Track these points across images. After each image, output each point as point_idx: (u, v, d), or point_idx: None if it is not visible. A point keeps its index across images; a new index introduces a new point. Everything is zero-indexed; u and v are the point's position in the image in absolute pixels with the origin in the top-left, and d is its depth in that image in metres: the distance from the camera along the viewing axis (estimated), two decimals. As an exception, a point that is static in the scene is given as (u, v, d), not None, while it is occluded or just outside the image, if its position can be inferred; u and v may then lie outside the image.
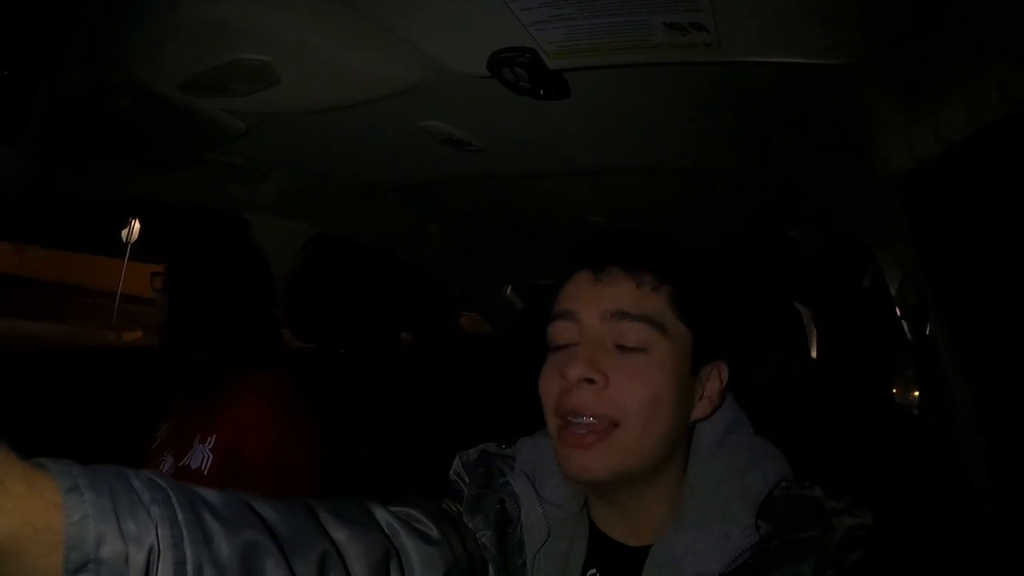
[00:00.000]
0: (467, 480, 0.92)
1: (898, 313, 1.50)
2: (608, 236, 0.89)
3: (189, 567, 0.56)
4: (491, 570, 0.84)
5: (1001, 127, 1.05)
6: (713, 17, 0.82)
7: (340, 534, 0.72)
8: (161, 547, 0.55)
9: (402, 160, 1.52)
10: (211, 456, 1.42)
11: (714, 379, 0.85)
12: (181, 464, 1.44)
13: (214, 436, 1.43)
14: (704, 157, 1.42)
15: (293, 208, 1.89)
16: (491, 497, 0.89)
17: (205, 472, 1.41)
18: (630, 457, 0.78)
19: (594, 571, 0.83)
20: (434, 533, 0.80)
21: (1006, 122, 1.04)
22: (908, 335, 1.50)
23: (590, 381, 0.78)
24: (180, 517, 0.57)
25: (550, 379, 0.83)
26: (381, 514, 0.79)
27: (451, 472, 0.95)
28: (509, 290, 3.02)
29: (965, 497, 1.40)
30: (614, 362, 0.79)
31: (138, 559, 0.53)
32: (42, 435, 0.67)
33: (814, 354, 2.79)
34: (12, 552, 0.49)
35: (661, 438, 0.80)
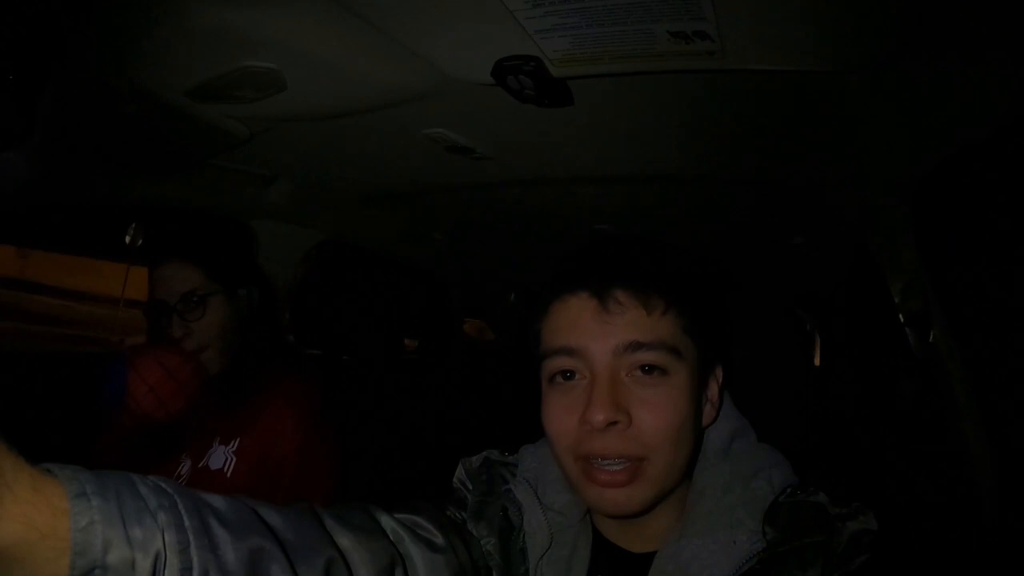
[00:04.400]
0: (470, 487, 0.92)
1: (902, 317, 1.49)
2: (605, 252, 0.85)
3: (195, 573, 0.56)
4: None
5: (1004, 131, 1.05)
6: (716, 26, 0.82)
7: (346, 540, 0.72)
8: (167, 553, 0.55)
9: (407, 167, 1.53)
10: (234, 459, 1.41)
11: (713, 382, 0.85)
12: (200, 465, 1.43)
13: (238, 439, 1.43)
14: (708, 163, 1.42)
15: (298, 214, 1.90)
16: (494, 504, 0.89)
17: (228, 474, 1.40)
18: (662, 484, 0.77)
19: None
20: (439, 540, 0.81)
21: (1009, 126, 1.04)
22: (912, 339, 1.49)
23: (613, 423, 0.75)
24: (186, 523, 0.57)
25: (564, 420, 0.79)
26: (386, 521, 0.79)
27: (455, 479, 0.95)
28: (513, 296, 3.02)
29: (970, 501, 1.40)
30: (633, 396, 0.76)
31: (144, 565, 0.53)
32: (47, 440, 0.67)
33: (817, 359, 2.79)
34: (19, 557, 0.49)
35: (687, 459, 0.80)
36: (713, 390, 0.85)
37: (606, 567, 0.84)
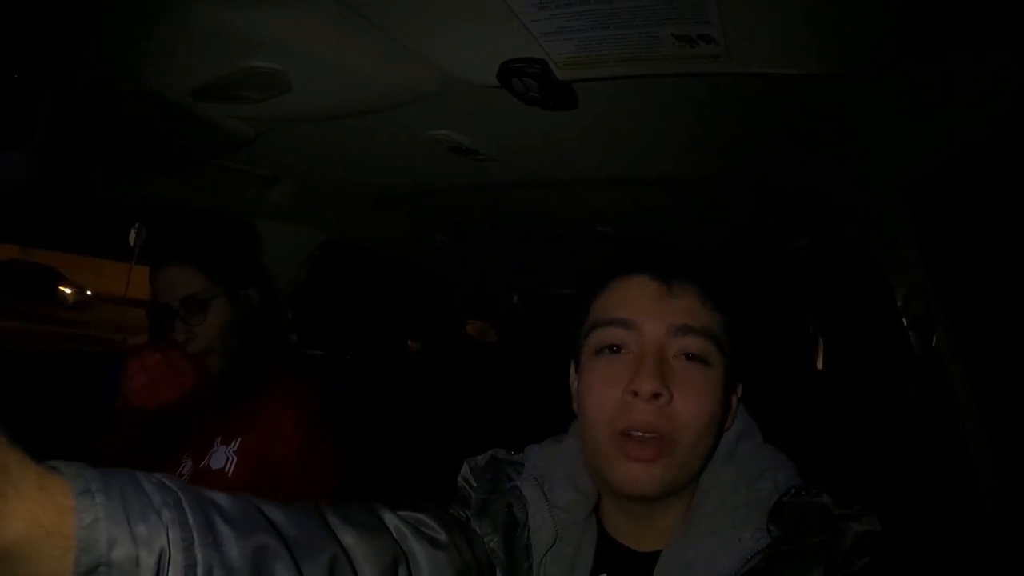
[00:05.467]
0: (475, 485, 0.93)
1: (904, 319, 1.50)
2: (669, 246, 0.89)
3: (199, 570, 0.56)
4: (498, 574, 0.85)
5: (1005, 133, 1.06)
6: (721, 29, 0.82)
7: (349, 538, 0.72)
8: (172, 550, 0.55)
9: (410, 168, 1.53)
10: (235, 458, 1.42)
11: (733, 395, 0.88)
12: (201, 465, 1.44)
13: (239, 439, 1.43)
14: (711, 165, 1.42)
15: (301, 214, 1.90)
16: (498, 501, 0.89)
17: (229, 473, 1.41)
18: (682, 471, 0.79)
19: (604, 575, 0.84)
20: (442, 537, 0.81)
21: (1010, 128, 1.04)
22: (914, 341, 1.50)
23: (656, 396, 0.77)
24: (191, 520, 0.57)
25: (605, 392, 0.81)
26: (389, 518, 0.79)
27: (459, 477, 0.96)
28: (516, 298, 3.03)
29: (971, 502, 1.40)
30: (676, 377, 0.79)
31: (148, 562, 0.53)
32: (49, 439, 0.68)
33: (820, 362, 2.79)
34: (24, 555, 0.49)
35: (708, 452, 0.81)
36: (733, 401, 0.87)
37: (611, 565, 0.84)
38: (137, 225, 1.66)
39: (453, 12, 0.86)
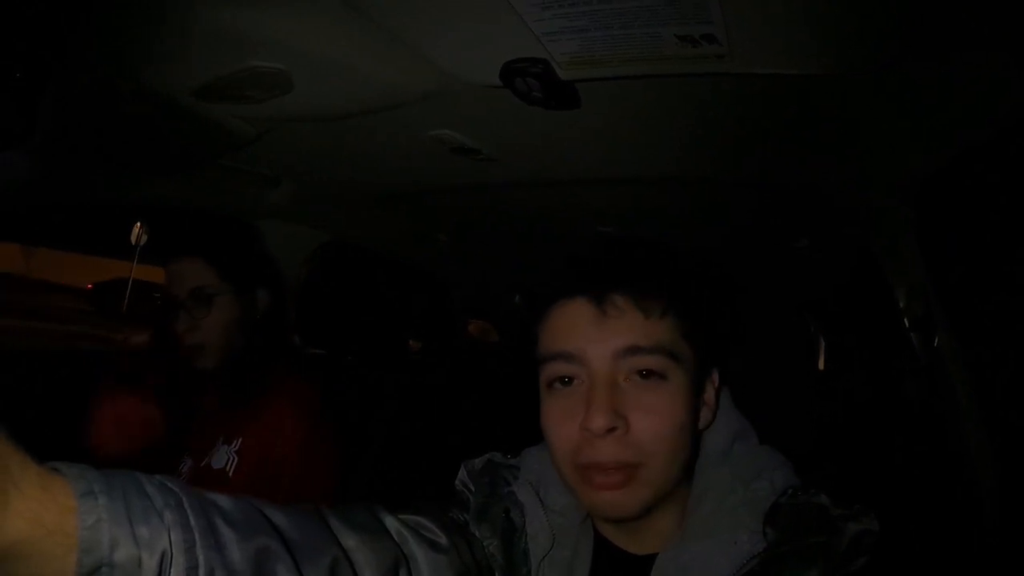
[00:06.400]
0: (472, 489, 0.93)
1: (905, 320, 1.49)
2: (602, 256, 0.84)
3: (201, 572, 0.56)
4: None
5: (1006, 133, 1.06)
6: (724, 29, 0.82)
7: (350, 540, 0.72)
8: (173, 552, 0.55)
9: (412, 168, 1.53)
10: (236, 458, 1.42)
11: (709, 386, 0.85)
12: (202, 465, 1.44)
13: (240, 439, 1.44)
14: (712, 165, 1.42)
15: (302, 214, 1.90)
16: (496, 506, 0.89)
17: (230, 473, 1.41)
18: (657, 488, 0.77)
19: None
20: (442, 540, 0.81)
21: (1011, 128, 1.04)
22: (914, 341, 1.50)
23: (611, 430, 0.74)
24: (193, 522, 0.57)
25: (562, 427, 0.78)
26: (390, 521, 0.79)
27: (457, 481, 0.95)
28: (517, 298, 3.02)
29: (970, 502, 1.40)
30: (631, 401, 0.76)
31: (151, 563, 0.54)
32: (53, 438, 0.68)
33: (820, 362, 2.79)
34: (26, 555, 0.49)
35: (683, 463, 0.79)
36: (709, 394, 0.85)
37: (607, 569, 0.84)
38: (139, 224, 1.66)
39: (455, 12, 0.86)
